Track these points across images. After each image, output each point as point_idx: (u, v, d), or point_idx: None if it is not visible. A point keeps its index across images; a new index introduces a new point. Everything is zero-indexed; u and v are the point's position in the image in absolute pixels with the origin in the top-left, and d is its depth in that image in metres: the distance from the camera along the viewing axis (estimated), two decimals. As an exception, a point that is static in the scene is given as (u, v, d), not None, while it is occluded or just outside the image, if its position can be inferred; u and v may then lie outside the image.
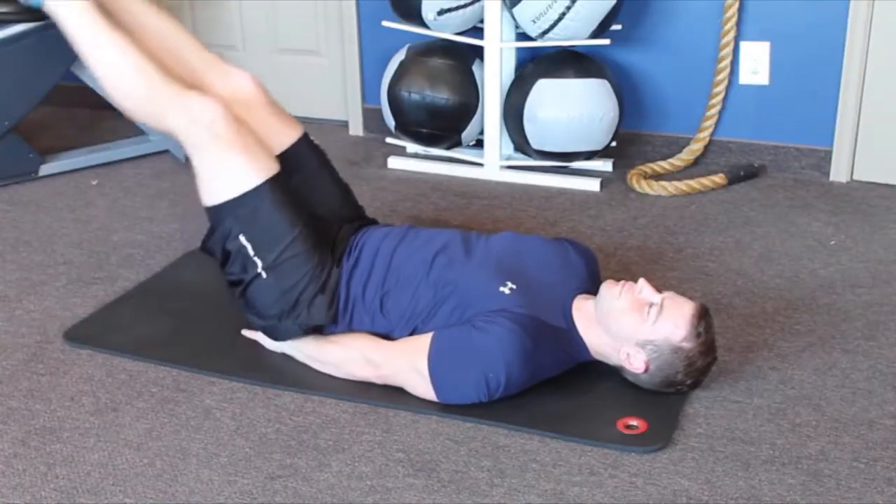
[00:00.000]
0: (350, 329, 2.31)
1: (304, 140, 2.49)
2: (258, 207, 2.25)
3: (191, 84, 2.35)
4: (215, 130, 2.24)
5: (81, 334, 2.53)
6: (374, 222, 2.58)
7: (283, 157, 2.38)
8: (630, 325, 2.14)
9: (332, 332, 2.33)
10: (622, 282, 2.20)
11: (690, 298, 2.19)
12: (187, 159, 3.63)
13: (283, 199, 2.28)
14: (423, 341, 2.18)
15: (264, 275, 2.27)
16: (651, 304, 2.13)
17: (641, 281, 2.18)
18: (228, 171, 2.26)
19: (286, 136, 2.45)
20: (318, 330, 2.30)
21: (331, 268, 2.31)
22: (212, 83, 2.42)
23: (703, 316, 2.13)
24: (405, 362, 2.20)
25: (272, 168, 2.29)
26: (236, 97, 2.40)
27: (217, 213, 2.30)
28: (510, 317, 2.14)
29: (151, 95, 2.27)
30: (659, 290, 2.18)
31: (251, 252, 2.27)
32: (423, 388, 2.18)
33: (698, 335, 2.12)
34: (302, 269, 2.27)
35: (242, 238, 2.27)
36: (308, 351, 2.34)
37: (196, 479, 1.99)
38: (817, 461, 2.03)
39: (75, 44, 2.30)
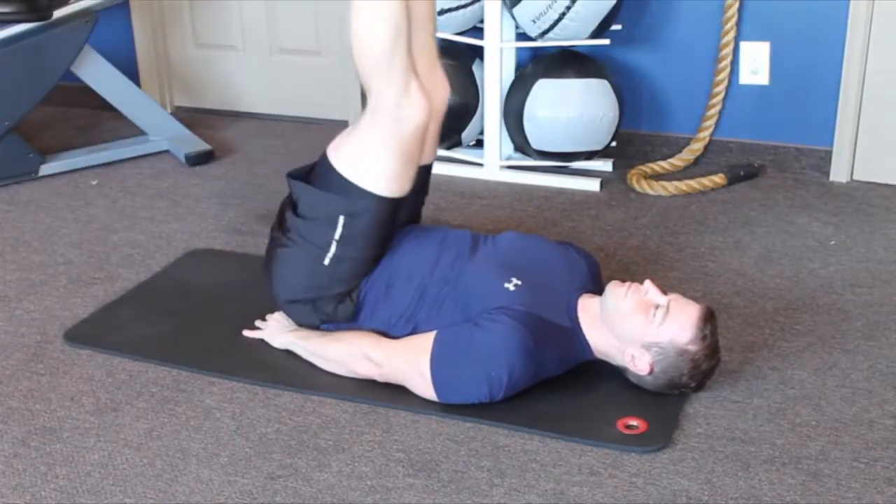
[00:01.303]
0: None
1: (427, 168, 2.45)
2: (369, 211, 2.23)
3: None
4: (405, 130, 2.19)
5: (81, 334, 2.52)
6: None
7: None
8: (635, 326, 2.13)
9: (336, 328, 2.34)
10: (628, 283, 2.19)
11: (696, 301, 2.19)
12: (187, 159, 3.68)
13: (390, 220, 2.28)
14: (425, 342, 2.18)
15: (326, 261, 2.26)
16: (657, 306, 2.13)
17: (647, 282, 2.17)
18: (376, 165, 2.22)
19: (426, 158, 2.39)
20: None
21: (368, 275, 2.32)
22: (420, 71, 2.28)
23: (708, 318, 2.13)
24: (407, 363, 2.19)
25: (407, 189, 2.26)
26: (429, 97, 2.29)
27: (336, 180, 2.24)
28: (512, 314, 2.14)
29: (384, 58, 2.18)
30: (665, 291, 2.18)
31: (337, 235, 2.24)
32: (424, 388, 2.18)
33: (704, 338, 2.11)
34: (353, 280, 2.29)
35: (342, 219, 2.23)
36: (311, 348, 2.34)
37: (196, 479, 1.99)
38: (817, 461, 2.03)
39: None
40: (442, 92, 2.39)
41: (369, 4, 2.17)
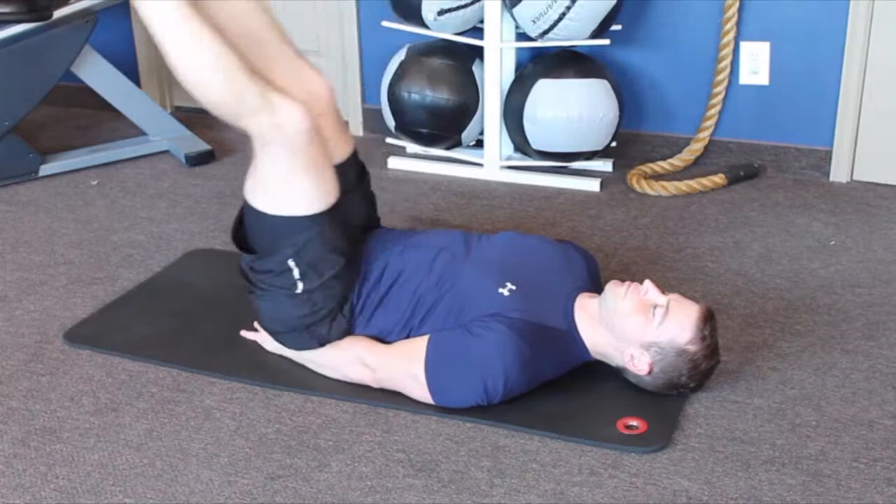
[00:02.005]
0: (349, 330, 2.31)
1: (353, 156, 2.40)
2: (313, 236, 2.16)
3: (264, 76, 2.13)
4: (296, 142, 2.08)
5: (81, 334, 2.53)
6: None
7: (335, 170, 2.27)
8: (635, 326, 2.13)
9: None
10: (627, 282, 2.19)
11: (696, 301, 2.19)
12: (187, 159, 3.68)
13: (338, 230, 2.20)
14: (418, 346, 2.18)
15: (300, 291, 2.21)
16: (656, 306, 2.13)
17: (647, 282, 2.17)
18: (293, 190, 2.14)
19: (342, 151, 2.33)
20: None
21: (353, 285, 2.28)
22: (287, 81, 2.20)
23: (708, 319, 2.13)
24: (401, 368, 2.19)
25: (333, 197, 2.18)
26: (309, 102, 2.18)
27: (265, 222, 2.18)
28: (506, 322, 2.13)
29: (233, 96, 2.06)
30: (664, 291, 2.17)
31: (296, 276, 2.19)
32: (420, 392, 2.18)
33: (703, 338, 2.11)
34: (336, 298, 2.25)
35: (291, 262, 2.17)
36: (306, 354, 2.33)
37: (196, 479, 1.99)
38: (817, 461, 2.03)
39: (152, 30, 2.04)
40: (320, 86, 2.28)
41: (189, 67, 2.04)
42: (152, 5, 2.01)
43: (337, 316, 2.26)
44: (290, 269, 2.19)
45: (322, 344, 2.28)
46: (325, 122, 2.24)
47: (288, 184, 2.14)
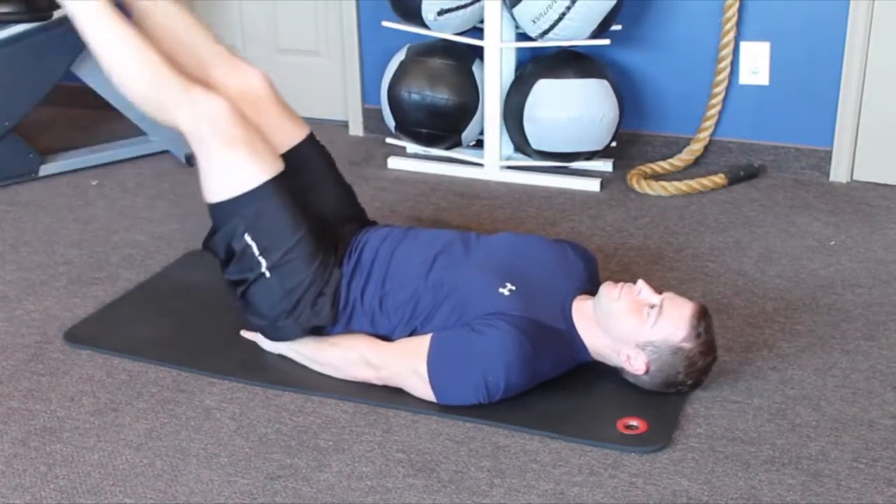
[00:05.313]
0: (349, 330, 2.31)
1: (310, 140, 2.49)
2: (263, 207, 2.25)
3: (200, 77, 2.33)
4: (220, 128, 2.22)
5: (81, 334, 2.53)
6: (373, 223, 2.57)
7: (287, 157, 2.36)
8: (630, 326, 2.14)
9: (331, 333, 2.32)
10: (620, 283, 2.19)
11: (690, 299, 2.19)
12: (187, 159, 3.68)
13: (288, 200, 2.27)
14: (421, 343, 2.18)
15: (268, 274, 2.27)
16: (650, 306, 2.13)
17: (640, 282, 2.18)
18: (232, 169, 2.25)
19: (291, 136, 2.44)
20: (317, 330, 2.30)
21: (332, 269, 2.31)
22: (221, 78, 2.40)
23: (702, 316, 2.13)
24: (404, 365, 2.20)
25: (276, 167, 2.28)
26: (245, 94, 2.39)
27: (221, 211, 2.29)
28: (508, 320, 2.14)
29: (158, 90, 2.24)
30: (658, 290, 2.18)
31: (256, 251, 2.27)
32: (422, 390, 2.18)
33: (698, 335, 2.11)
34: (305, 270, 2.27)
35: (248, 237, 2.26)
36: (307, 353, 2.34)
37: (196, 479, 1.99)
38: (817, 461, 2.03)
39: (83, 34, 2.28)
40: (255, 78, 2.44)
41: (113, 64, 2.25)
42: (80, 6, 2.26)
43: (318, 298, 2.27)
44: (249, 247, 2.26)
45: (306, 329, 2.29)
46: (266, 110, 2.41)
47: (225, 166, 2.25)
